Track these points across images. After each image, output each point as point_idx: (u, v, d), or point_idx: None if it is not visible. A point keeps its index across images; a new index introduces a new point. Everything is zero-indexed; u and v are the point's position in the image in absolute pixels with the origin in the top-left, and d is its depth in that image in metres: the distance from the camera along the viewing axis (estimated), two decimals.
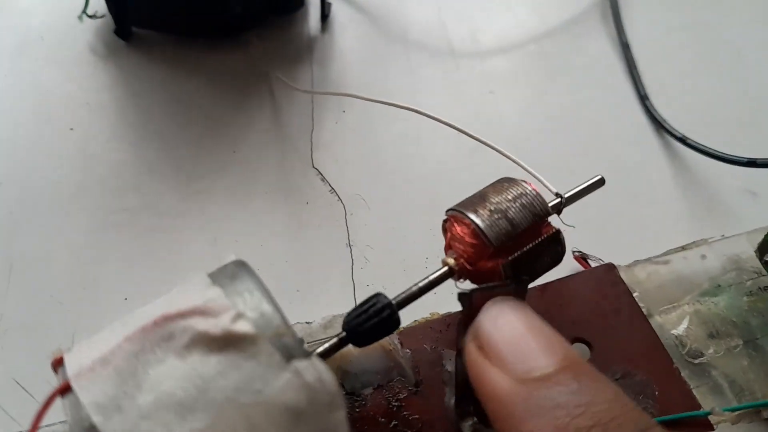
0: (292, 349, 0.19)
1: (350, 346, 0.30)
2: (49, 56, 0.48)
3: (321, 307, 0.34)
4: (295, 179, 0.41)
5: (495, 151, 0.30)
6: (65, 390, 0.20)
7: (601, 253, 0.35)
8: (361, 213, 0.39)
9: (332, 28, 0.50)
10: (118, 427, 0.18)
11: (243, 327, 0.19)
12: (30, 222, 0.39)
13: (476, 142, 0.31)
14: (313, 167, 0.41)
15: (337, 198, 0.40)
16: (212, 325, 0.19)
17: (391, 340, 0.30)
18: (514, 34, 0.50)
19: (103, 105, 0.45)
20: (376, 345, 0.30)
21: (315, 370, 0.18)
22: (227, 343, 0.19)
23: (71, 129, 0.44)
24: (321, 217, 0.39)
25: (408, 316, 0.31)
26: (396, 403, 0.28)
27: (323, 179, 0.41)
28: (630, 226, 0.39)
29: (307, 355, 0.19)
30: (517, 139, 0.43)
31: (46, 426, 0.29)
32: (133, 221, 0.39)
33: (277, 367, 0.18)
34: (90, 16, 0.48)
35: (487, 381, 0.20)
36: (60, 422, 0.28)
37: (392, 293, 0.24)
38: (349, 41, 0.49)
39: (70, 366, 0.20)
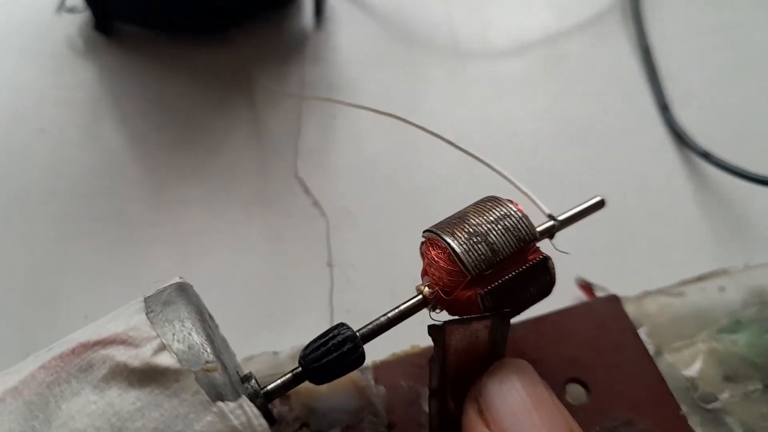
0: (221, 387, 0.18)
1: None
2: (24, 51, 0.48)
3: (293, 334, 0.32)
4: (276, 189, 0.40)
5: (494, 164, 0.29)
6: None
7: (608, 282, 0.34)
8: (346, 229, 0.38)
9: (327, 24, 0.49)
10: None
11: (166, 360, 0.18)
12: None
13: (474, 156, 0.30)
14: (297, 177, 0.40)
15: (320, 212, 0.38)
16: (132, 356, 0.18)
17: (363, 376, 0.29)
18: (527, 33, 0.49)
19: (78, 104, 0.44)
20: (346, 381, 0.28)
21: (243, 414, 0.17)
22: (148, 377, 0.18)
23: (42, 129, 0.43)
24: (302, 232, 0.38)
25: (385, 349, 0.30)
26: None
27: (306, 190, 0.39)
28: (642, 252, 0.37)
29: (238, 395, 0.17)
30: (524, 149, 0.42)
31: None
32: (101, 231, 0.38)
33: (201, 408, 0.17)
34: (68, 10, 0.47)
35: None
36: None
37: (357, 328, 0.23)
38: (345, 39, 0.48)
39: None
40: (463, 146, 0.30)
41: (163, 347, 0.18)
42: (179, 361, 0.18)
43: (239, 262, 0.37)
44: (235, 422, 0.17)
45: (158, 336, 0.18)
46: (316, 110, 0.43)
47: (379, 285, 0.36)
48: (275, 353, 0.30)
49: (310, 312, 0.35)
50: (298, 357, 0.30)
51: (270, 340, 0.31)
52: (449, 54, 0.48)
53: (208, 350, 0.18)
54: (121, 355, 0.18)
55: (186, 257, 0.37)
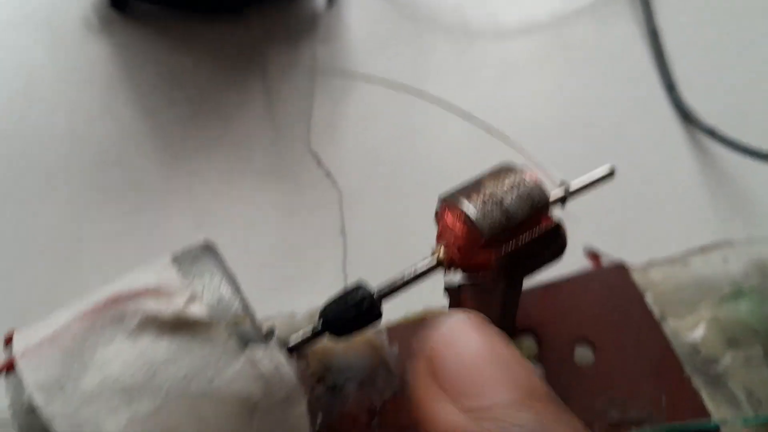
0: (249, 336, 0.18)
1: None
2: (40, 27, 0.48)
3: (308, 297, 0.32)
4: (289, 161, 0.40)
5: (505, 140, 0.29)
6: (10, 368, 0.19)
7: (615, 251, 0.34)
8: (359, 200, 0.38)
9: (338, 3, 0.49)
10: (60, 410, 0.18)
11: (197, 311, 0.18)
12: (10, 199, 0.39)
13: (487, 130, 0.30)
14: (310, 150, 0.40)
15: (333, 183, 0.39)
16: (164, 307, 0.18)
17: (378, 337, 0.29)
18: (535, 14, 0.49)
19: (93, 79, 0.45)
20: (361, 340, 0.29)
21: (272, 360, 0.17)
22: (180, 326, 0.18)
23: (59, 104, 0.43)
24: (314, 204, 0.38)
25: (399, 311, 0.30)
26: (380, 402, 0.28)
27: (319, 163, 0.40)
28: (648, 223, 0.37)
29: (266, 345, 0.18)
30: (532, 127, 0.42)
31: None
32: (117, 200, 0.38)
33: (232, 355, 0.18)
34: None
35: (435, 413, 0.18)
36: None
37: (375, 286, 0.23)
38: (357, 17, 0.48)
39: (18, 344, 0.20)
40: (472, 120, 0.31)
41: (194, 299, 0.18)
42: (209, 312, 0.18)
43: (254, 232, 0.37)
44: (264, 369, 0.17)
45: (189, 288, 0.19)
46: (329, 86, 0.44)
47: (389, 254, 0.36)
48: (292, 314, 0.31)
49: (324, 278, 0.35)
50: (314, 318, 0.31)
51: (286, 304, 0.32)
52: (457, 34, 0.48)
53: (237, 303, 0.19)
54: (153, 306, 0.18)
55: (202, 225, 0.38)
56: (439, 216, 0.26)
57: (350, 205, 0.38)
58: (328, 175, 0.39)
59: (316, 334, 0.23)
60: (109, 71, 0.45)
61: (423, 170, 0.40)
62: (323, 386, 0.28)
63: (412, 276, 0.24)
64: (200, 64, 0.45)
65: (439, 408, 0.18)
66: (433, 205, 0.37)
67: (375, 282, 0.24)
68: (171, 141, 0.41)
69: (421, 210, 0.37)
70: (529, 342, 0.29)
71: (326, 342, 0.30)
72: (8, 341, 0.21)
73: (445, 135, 0.41)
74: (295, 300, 0.32)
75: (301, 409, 0.17)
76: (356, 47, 0.47)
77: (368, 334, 0.29)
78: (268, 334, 0.21)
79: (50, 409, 0.18)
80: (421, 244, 0.36)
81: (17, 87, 0.44)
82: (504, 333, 0.20)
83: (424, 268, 0.24)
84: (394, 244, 0.37)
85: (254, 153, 0.40)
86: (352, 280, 0.35)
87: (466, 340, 0.19)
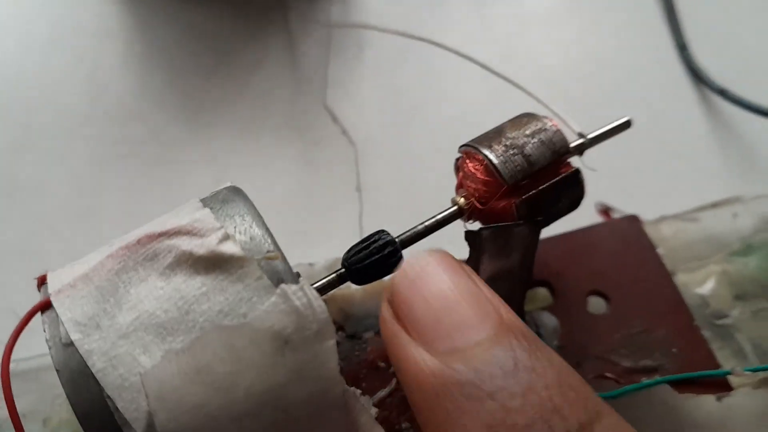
0: (282, 273, 0.18)
1: (353, 288, 0.30)
2: None
3: (325, 249, 0.33)
4: (306, 117, 0.40)
5: (521, 94, 0.29)
6: (46, 307, 0.19)
7: (626, 206, 0.34)
8: (374, 156, 0.38)
9: None
10: (96, 345, 0.18)
11: (230, 248, 0.18)
12: (33, 150, 0.39)
13: (502, 82, 0.30)
14: (326, 106, 0.40)
15: (348, 139, 0.39)
16: (198, 245, 0.18)
17: None
18: None
19: (113, 33, 0.44)
20: (380, 287, 0.29)
21: (304, 295, 0.17)
22: (213, 264, 0.18)
23: (80, 57, 0.43)
24: (331, 158, 0.38)
25: None
26: None
27: (335, 119, 0.40)
28: (659, 180, 0.37)
29: (297, 280, 0.18)
30: (547, 81, 0.42)
31: (39, 356, 0.29)
32: (137, 152, 0.38)
33: (265, 291, 0.18)
34: None
35: (406, 360, 0.17)
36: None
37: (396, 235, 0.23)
38: None
39: (52, 283, 0.20)
40: (489, 72, 0.31)
41: (227, 237, 0.18)
42: (243, 249, 0.18)
43: (272, 184, 0.37)
44: (297, 303, 0.17)
45: (222, 227, 0.19)
46: (345, 40, 0.43)
47: (405, 208, 0.37)
48: (311, 264, 0.31)
49: (341, 232, 0.35)
50: (331, 269, 0.31)
51: (304, 256, 0.32)
52: None
53: (269, 241, 0.19)
54: (186, 244, 0.19)
55: (220, 177, 0.38)
56: (459, 165, 0.25)
57: (366, 160, 0.38)
58: (344, 132, 0.39)
59: (339, 279, 0.23)
60: (127, 25, 0.45)
61: (438, 125, 0.40)
62: (343, 334, 0.28)
63: (432, 223, 0.24)
64: (220, 17, 0.45)
65: (410, 353, 0.17)
66: (447, 159, 0.37)
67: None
68: (190, 93, 0.41)
69: (435, 164, 0.38)
70: (544, 292, 0.29)
71: (345, 290, 0.30)
72: (41, 282, 0.21)
73: (460, 88, 0.41)
74: (312, 252, 0.32)
75: (331, 343, 0.17)
76: (372, 3, 0.46)
77: (386, 282, 0.29)
78: (296, 275, 0.21)
79: (87, 344, 0.18)
80: (435, 197, 0.36)
81: (38, 37, 0.44)
82: (470, 268, 0.19)
83: (445, 216, 0.24)
84: (409, 198, 0.37)
85: (272, 107, 0.40)
86: (367, 234, 0.35)
87: (431, 280, 0.18)
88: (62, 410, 0.28)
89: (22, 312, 0.34)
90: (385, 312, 0.19)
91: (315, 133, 0.39)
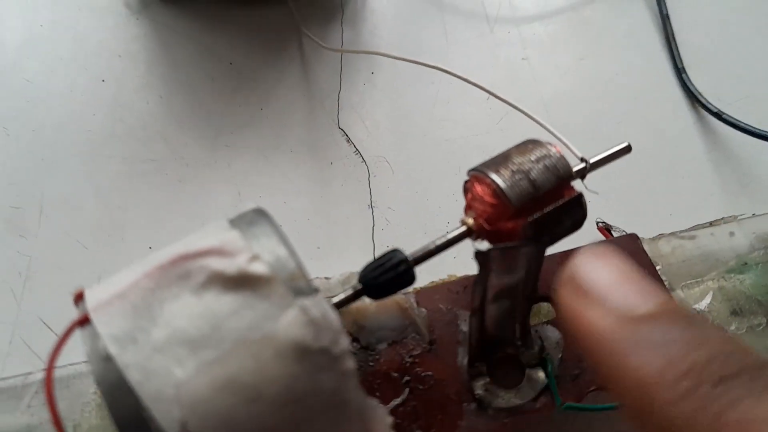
0: (304, 292, 0.19)
1: (367, 302, 0.31)
2: (84, 7, 0.48)
3: (340, 264, 0.34)
4: (320, 138, 0.41)
5: (524, 117, 0.30)
6: (84, 322, 0.20)
7: (626, 225, 0.35)
8: (385, 175, 0.39)
9: None
10: (132, 358, 0.19)
11: (258, 268, 0.19)
12: (60, 168, 0.40)
13: (505, 107, 0.31)
14: (339, 128, 0.41)
15: (361, 159, 0.40)
16: (228, 265, 0.19)
17: (407, 299, 0.30)
18: (551, 0, 0.49)
19: (135, 57, 0.46)
20: (392, 302, 0.30)
21: (320, 307, 0.18)
22: (242, 282, 0.19)
23: (103, 80, 0.44)
24: (344, 178, 0.39)
25: (426, 277, 0.31)
26: (409, 360, 0.29)
27: (348, 140, 0.41)
28: (658, 199, 0.38)
29: (315, 295, 0.19)
30: (549, 105, 0.43)
31: (70, 365, 0.30)
32: (160, 171, 0.39)
33: (287, 306, 0.19)
34: None
35: (586, 319, 0.20)
36: (83, 362, 0.29)
37: (408, 253, 0.24)
38: (382, 1, 0.49)
39: (90, 300, 0.21)
40: (493, 97, 0.31)
41: (255, 257, 0.19)
42: (269, 269, 0.19)
43: (289, 202, 0.38)
44: (313, 315, 0.18)
45: (250, 248, 0.20)
46: (356, 66, 0.44)
47: (413, 224, 0.38)
48: (327, 278, 0.32)
49: (355, 246, 0.36)
50: (347, 283, 0.32)
51: (320, 269, 0.33)
52: (478, 17, 0.48)
53: (293, 261, 0.20)
54: (217, 264, 0.19)
55: (240, 196, 0.39)
56: (467, 188, 0.26)
57: (377, 179, 0.39)
58: (356, 152, 0.40)
59: (356, 294, 0.24)
60: (149, 49, 0.46)
61: (444, 145, 0.41)
62: (357, 345, 0.29)
63: (443, 242, 0.25)
64: (236, 42, 0.46)
65: (589, 315, 0.19)
66: (452, 177, 0.38)
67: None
68: (210, 115, 0.42)
69: (441, 182, 0.39)
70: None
71: (358, 304, 0.31)
72: (78, 299, 0.22)
73: (466, 111, 0.42)
74: (328, 266, 0.33)
75: (345, 349, 0.19)
76: (381, 30, 0.47)
77: (398, 297, 0.30)
78: (316, 291, 0.22)
79: (124, 358, 0.19)
80: (442, 215, 0.38)
81: (64, 60, 0.45)
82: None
83: (455, 236, 0.25)
84: (417, 213, 0.38)
85: (288, 129, 0.41)
86: (380, 249, 0.36)
87: (604, 262, 0.21)
88: (92, 417, 0.29)
89: (50, 321, 0.35)
90: (565, 287, 0.21)
91: (329, 154, 0.40)
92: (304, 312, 0.18)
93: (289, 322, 0.18)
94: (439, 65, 0.33)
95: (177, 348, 0.19)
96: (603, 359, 0.19)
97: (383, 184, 0.39)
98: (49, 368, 0.20)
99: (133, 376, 0.19)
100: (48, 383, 0.19)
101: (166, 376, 0.18)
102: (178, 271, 0.20)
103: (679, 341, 0.17)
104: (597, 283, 0.20)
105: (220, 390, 0.18)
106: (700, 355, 0.17)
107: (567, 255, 0.31)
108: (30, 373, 0.30)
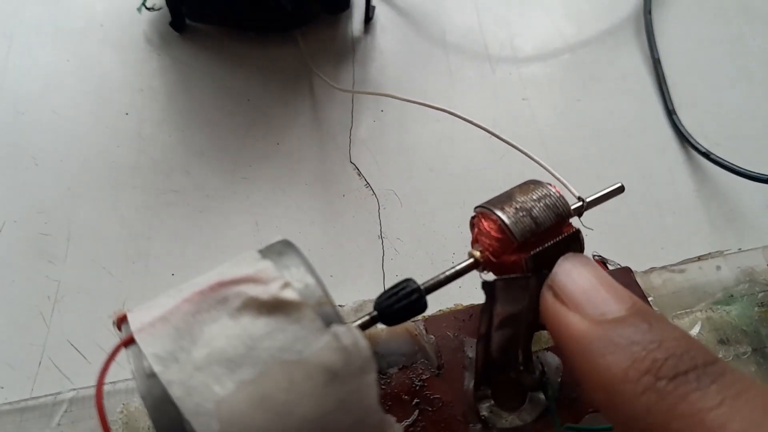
0: (331, 316, 0.21)
1: (378, 328, 0.33)
2: (107, 44, 0.51)
3: (353, 292, 0.36)
4: (333, 172, 0.43)
5: (524, 155, 0.32)
6: (129, 342, 0.22)
7: (620, 259, 0.37)
8: (394, 208, 0.42)
9: (374, 29, 0.52)
10: (175, 376, 0.21)
11: (290, 294, 0.21)
12: (87, 197, 0.42)
13: (506, 145, 0.33)
14: (351, 162, 0.44)
15: (371, 192, 0.42)
16: (262, 291, 0.21)
17: (416, 326, 0.32)
18: (550, 42, 0.52)
19: (156, 92, 0.48)
20: (402, 329, 0.32)
21: (352, 335, 0.20)
22: (275, 307, 0.21)
23: (126, 113, 0.47)
24: (356, 210, 0.41)
25: (434, 305, 0.33)
26: (419, 383, 0.31)
27: (359, 174, 0.43)
28: (649, 235, 0.40)
29: (344, 323, 0.21)
30: (548, 144, 0.45)
31: (110, 383, 0.31)
32: (182, 201, 0.42)
33: (318, 331, 0.21)
34: (148, 9, 0.51)
35: (565, 323, 0.22)
36: (123, 380, 0.31)
37: (420, 282, 0.26)
38: (390, 43, 0.51)
39: (133, 322, 0.23)
40: (494, 136, 0.34)
41: (287, 285, 0.21)
42: (300, 295, 0.21)
43: (303, 233, 0.40)
44: (347, 342, 0.20)
45: (282, 276, 0.22)
46: (366, 104, 0.47)
47: (421, 255, 0.40)
48: (340, 306, 0.34)
49: (366, 275, 0.38)
50: (360, 310, 0.34)
51: (334, 295, 0.34)
52: (480, 59, 0.51)
53: (320, 289, 0.22)
54: (253, 290, 0.22)
55: (257, 226, 0.41)
56: (474, 223, 0.29)
57: (387, 211, 0.41)
58: (367, 185, 0.42)
59: (372, 320, 0.26)
60: (169, 84, 0.48)
61: (449, 181, 0.43)
62: None
63: (452, 273, 0.27)
64: (251, 80, 0.48)
65: (567, 320, 0.22)
66: (456, 210, 0.40)
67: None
68: (228, 149, 0.44)
69: (446, 214, 0.41)
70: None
71: (371, 330, 0.33)
72: (120, 321, 0.24)
73: (468, 149, 0.45)
74: (340, 294, 0.35)
75: (373, 376, 0.20)
76: (390, 70, 0.50)
77: (408, 324, 0.32)
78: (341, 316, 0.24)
79: (167, 375, 0.21)
80: (448, 245, 0.40)
81: (88, 94, 0.47)
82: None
83: (463, 267, 0.27)
84: (425, 244, 0.40)
85: (302, 164, 0.44)
86: (389, 278, 0.39)
87: (579, 270, 0.24)
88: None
89: (78, 343, 0.37)
90: (547, 294, 0.24)
91: (341, 187, 0.43)
92: (336, 338, 0.20)
93: (322, 347, 0.20)
94: (444, 105, 0.36)
95: (215, 367, 0.21)
96: (578, 360, 0.21)
97: (392, 216, 0.41)
98: (99, 383, 0.22)
99: (175, 392, 0.20)
100: (98, 397, 0.21)
101: (205, 392, 0.20)
102: (216, 297, 0.22)
103: (641, 342, 0.20)
104: (574, 289, 0.23)
105: (255, 406, 0.20)
106: (660, 354, 0.19)
107: None
108: (59, 393, 0.32)
